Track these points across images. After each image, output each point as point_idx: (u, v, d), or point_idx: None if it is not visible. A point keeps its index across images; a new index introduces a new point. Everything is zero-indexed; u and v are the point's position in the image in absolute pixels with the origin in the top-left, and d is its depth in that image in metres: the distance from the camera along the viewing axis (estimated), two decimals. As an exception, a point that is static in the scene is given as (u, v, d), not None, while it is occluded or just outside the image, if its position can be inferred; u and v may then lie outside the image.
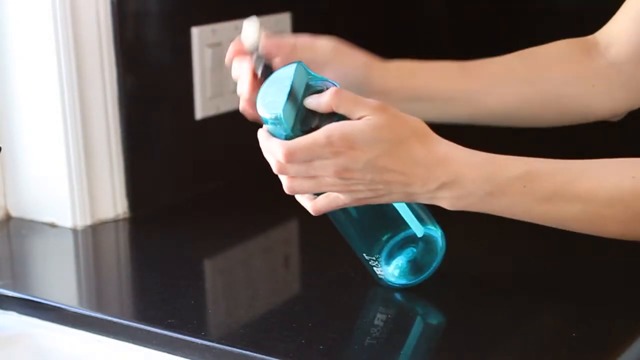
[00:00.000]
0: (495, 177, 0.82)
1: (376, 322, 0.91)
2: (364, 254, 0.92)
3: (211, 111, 1.33)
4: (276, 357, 0.84)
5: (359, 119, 0.81)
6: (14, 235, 1.21)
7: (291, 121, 0.83)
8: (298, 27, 1.44)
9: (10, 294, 1.01)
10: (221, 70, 1.33)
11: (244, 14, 1.36)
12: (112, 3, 1.18)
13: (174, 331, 0.89)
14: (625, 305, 0.87)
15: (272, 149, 0.85)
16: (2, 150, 1.20)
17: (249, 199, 1.33)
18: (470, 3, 1.78)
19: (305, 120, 0.83)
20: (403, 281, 0.94)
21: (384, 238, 0.91)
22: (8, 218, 1.24)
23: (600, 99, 1.01)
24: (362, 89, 0.92)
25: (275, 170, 0.86)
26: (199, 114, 1.32)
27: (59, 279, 1.09)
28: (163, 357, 0.90)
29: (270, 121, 0.84)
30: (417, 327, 0.88)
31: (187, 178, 1.33)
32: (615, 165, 0.84)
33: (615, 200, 0.81)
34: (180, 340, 0.89)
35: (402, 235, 0.91)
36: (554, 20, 1.70)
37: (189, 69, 1.29)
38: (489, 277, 1.00)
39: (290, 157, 0.83)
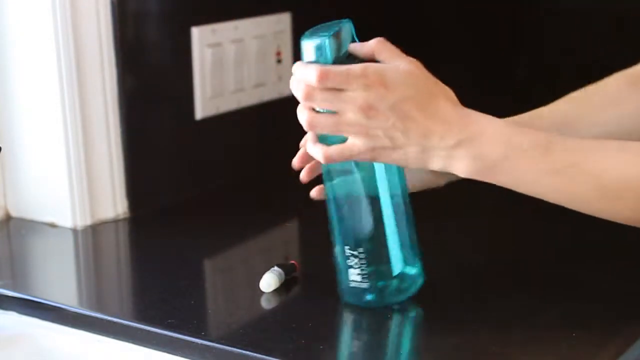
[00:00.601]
0: (513, 140, 0.82)
1: (377, 322, 0.91)
2: (347, 247, 0.91)
3: (211, 111, 1.33)
4: (276, 357, 0.84)
5: None
6: (14, 235, 1.21)
7: (333, 54, 0.85)
8: (298, 27, 1.44)
9: (10, 294, 1.01)
10: (221, 70, 1.33)
11: (244, 14, 1.36)
12: (112, 3, 1.18)
13: (174, 331, 0.89)
14: (625, 304, 0.87)
15: (307, 73, 0.84)
16: (2, 150, 1.20)
17: (249, 199, 1.33)
18: (470, 3, 1.78)
19: (345, 62, 0.85)
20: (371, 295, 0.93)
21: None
22: (8, 218, 1.24)
23: None
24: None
25: (301, 96, 0.85)
26: (199, 114, 1.32)
27: (59, 279, 1.09)
28: (163, 357, 0.90)
29: (314, 49, 0.85)
30: (417, 327, 0.88)
31: (187, 178, 1.32)
32: (635, 149, 0.82)
33: (632, 185, 0.80)
34: (180, 340, 0.89)
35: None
36: (556, 20, 1.70)
37: (189, 69, 1.29)
38: (489, 277, 1.00)
39: (324, 78, 0.82)
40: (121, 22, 1.19)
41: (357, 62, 0.85)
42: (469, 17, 1.79)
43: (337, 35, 0.86)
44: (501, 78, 1.70)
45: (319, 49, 0.85)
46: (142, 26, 1.24)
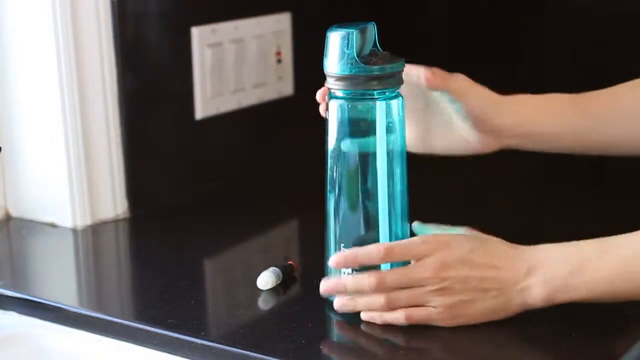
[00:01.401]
0: (572, 254, 0.86)
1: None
2: (343, 245, 0.91)
3: (211, 111, 1.33)
4: (276, 357, 0.84)
5: None
6: (14, 235, 1.21)
7: (358, 47, 0.87)
8: (298, 27, 1.44)
9: (10, 294, 1.01)
10: (221, 70, 1.33)
11: (244, 14, 1.36)
12: (112, 3, 1.18)
13: (174, 331, 0.89)
14: (625, 304, 0.87)
15: (370, 251, 0.88)
16: (2, 150, 1.20)
17: (249, 199, 1.33)
18: (471, 3, 1.78)
19: (367, 60, 0.88)
20: None
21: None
22: (8, 218, 1.24)
23: None
24: (478, 123, 0.95)
25: (373, 288, 0.87)
26: (199, 114, 1.32)
27: (59, 279, 1.09)
28: (163, 357, 0.90)
29: (341, 38, 0.87)
30: (416, 326, 0.88)
31: (186, 178, 1.32)
32: None
33: None
34: (180, 340, 0.89)
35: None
36: (558, 20, 1.70)
37: (189, 69, 1.29)
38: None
39: (389, 253, 0.87)
40: (121, 22, 1.19)
41: (379, 60, 0.88)
42: (469, 16, 1.79)
43: (363, 31, 0.88)
44: (501, 77, 1.70)
45: (346, 39, 0.87)
46: (142, 26, 1.24)
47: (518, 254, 0.87)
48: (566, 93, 1.00)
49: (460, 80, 0.95)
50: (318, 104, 0.96)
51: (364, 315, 0.89)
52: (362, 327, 0.89)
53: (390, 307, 0.87)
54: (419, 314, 0.87)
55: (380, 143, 0.89)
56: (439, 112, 0.98)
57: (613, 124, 0.99)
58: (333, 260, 0.90)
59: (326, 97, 0.91)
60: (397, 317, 0.87)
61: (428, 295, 0.86)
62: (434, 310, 0.86)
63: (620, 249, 0.85)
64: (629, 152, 1.03)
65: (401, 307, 0.87)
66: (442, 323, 0.87)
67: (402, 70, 0.90)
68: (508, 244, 0.89)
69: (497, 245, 0.88)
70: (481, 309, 0.86)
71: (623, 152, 1.03)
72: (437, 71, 0.94)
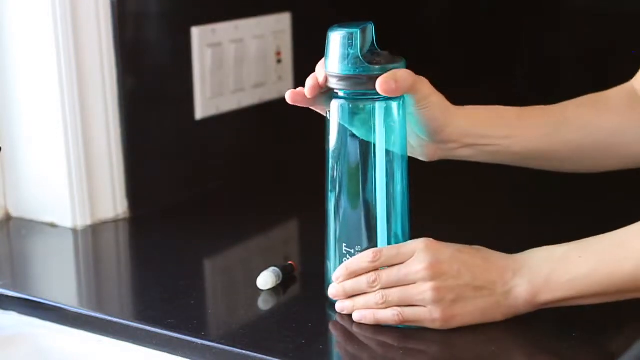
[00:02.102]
0: (554, 254, 0.87)
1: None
2: (345, 244, 0.91)
3: (211, 111, 1.33)
4: (276, 357, 0.84)
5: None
6: (14, 235, 1.21)
7: (359, 46, 0.87)
8: (298, 27, 1.44)
9: (10, 294, 1.01)
10: (221, 70, 1.33)
11: (244, 14, 1.36)
12: (112, 3, 1.18)
13: (174, 331, 0.89)
14: (625, 304, 0.87)
15: (359, 258, 0.89)
16: (2, 150, 1.20)
17: (249, 199, 1.33)
18: (471, 3, 1.78)
19: (369, 58, 0.88)
20: None
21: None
22: (8, 218, 1.24)
23: None
24: (429, 130, 0.93)
25: (368, 284, 0.89)
26: (199, 114, 1.32)
27: (59, 279, 1.09)
28: (163, 357, 0.90)
29: (343, 38, 0.87)
30: (416, 328, 0.88)
31: (187, 178, 1.33)
32: None
33: None
34: (180, 340, 0.89)
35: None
36: (558, 20, 1.70)
37: (189, 69, 1.29)
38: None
39: (378, 255, 0.88)
40: (121, 22, 1.19)
41: (381, 60, 0.87)
42: (469, 16, 1.79)
43: (364, 31, 0.88)
44: (500, 76, 1.70)
45: (348, 39, 0.87)
46: (142, 26, 1.24)
47: (503, 257, 0.89)
48: (513, 106, 0.99)
49: (426, 85, 0.91)
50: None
51: (355, 315, 0.89)
52: (362, 327, 0.89)
53: (384, 303, 0.88)
54: (411, 313, 0.87)
55: (379, 143, 0.89)
56: None
57: (556, 139, 0.99)
58: (332, 293, 0.91)
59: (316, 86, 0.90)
60: (389, 315, 0.88)
61: (421, 292, 0.86)
62: (426, 310, 0.86)
63: (598, 245, 0.86)
64: (577, 168, 1.03)
65: (394, 305, 0.88)
66: (435, 325, 0.87)
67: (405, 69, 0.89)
68: (492, 250, 0.90)
69: (483, 249, 0.90)
70: (473, 308, 0.87)
71: (565, 168, 1.03)
72: (402, 76, 0.88)
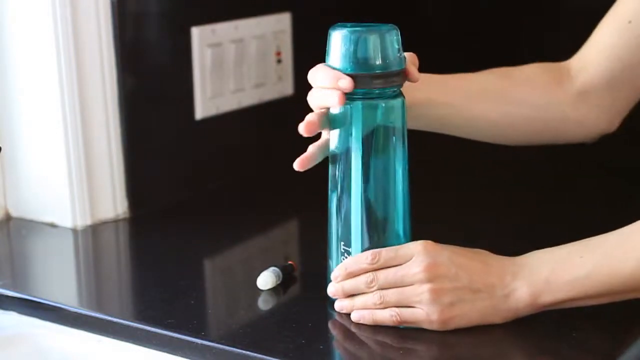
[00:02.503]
0: (554, 256, 0.87)
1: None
2: (343, 243, 0.92)
3: (211, 111, 1.33)
4: (276, 357, 0.84)
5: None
6: (14, 235, 1.21)
7: (361, 44, 0.87)
8: (298, 27, 1.44)
9: (10, 294, 1.01)
10: (221, 70, 1.33)
11: (244, 14, 1.36)
12: (112, 3, 1.18)
13: (174, 331, 0.89)
14: (625, 304, 0.87)
15: (358, 259, 0.90)
16: (2, 150, 1.20)
17: (249, 199, 1.33)
18: (471, 3, 1.78)
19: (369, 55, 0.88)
20: None
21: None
22: (8, 218, 1.24)
23: (572, 125, 1.05)
24: None
25: (366, 284, 0.89)
26: (199, 114, 1.32)
27: (59, 279, 1.09)
28: (163, 357, 0.90)
29: (343, 36, 0.88)
30: (417, 329, 0.88)
31: (187, 178, 1.33)
32: None
33: None
34: (180, 340, 0.89)
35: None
36: (558, 20, 1.70)
37: (189, 69, 1.29)
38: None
39: (377, 256, 0.88)
40: (121, 22, 1.19)
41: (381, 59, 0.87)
42: (469, 16, 1.79)
43: (364, 30, 0.88)
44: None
45: (348, 38, 0.87)
46: (142, 26, 1.24)
47: (502, 260, 0.89)
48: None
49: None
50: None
51: (354, 315, 0.89)
52: (362, 327, 0.89)
53: (382, 304, 0.88)
54: (408, 314, 0.87)
55: (355, 143, 0.89)
56: None
57: (478, 106, 1.01)
58: (330, 292, 0.92)
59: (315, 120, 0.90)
60: (387, 316, 0.88)
61: (418, 294, 0.86)
62: (424, 311, 0.86)
63: (598, 245, 0.86)
64: (499, 139, 1.05)
65: (392, 306, 0.88)
66: (432, 327, 0.87)
67: (404, 69, 0.90)
68: (491, 253, 0.90)
69: (482, 252, 0.90)
70: (470, 311, 0.86)
71: (494, 138, 1.05)
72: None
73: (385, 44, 0.88)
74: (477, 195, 1.30)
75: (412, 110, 0.94)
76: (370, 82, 0.88)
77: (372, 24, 0.90)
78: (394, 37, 0.89)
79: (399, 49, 0.89)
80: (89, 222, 1.21)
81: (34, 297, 0.99)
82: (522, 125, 1.04)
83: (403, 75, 0.90)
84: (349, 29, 0.88)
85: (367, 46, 0.88)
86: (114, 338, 0.93)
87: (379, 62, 0.88)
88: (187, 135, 1.32)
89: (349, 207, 0.91)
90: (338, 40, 0.88)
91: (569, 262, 0.86)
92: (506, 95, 1.03)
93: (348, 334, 0.89)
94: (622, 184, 1.32)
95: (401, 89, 0.91)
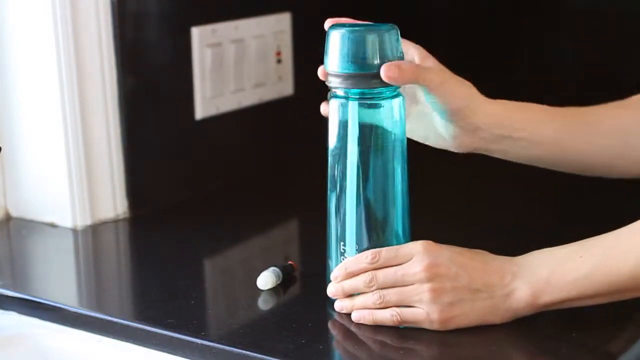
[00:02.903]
0: (554, 256, 0.87)
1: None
2: (342, 243, 0.92)
3: (211, 111, 1.33)
4: (276, 357, 0.84)
5: None
6: (14, 235, 1.21)
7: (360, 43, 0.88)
8: (298, 27, 1.44)
9: (10, 294, 1.01)
10: (221, 70, 1.33)
11: (244, 14, 1.36)
12: (112, 3, 1.18)
13: (174, 331, 0.89)
14: (625, 304, 0.87)
15: (358, 258, 0.90)
16: (2, 150, 1.20)
17: (249, 199, 1.33)
18: (471, 3, 1.78)
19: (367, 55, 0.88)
20: None
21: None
22: (8, 218, 1.24)
23: None
24: (453, 117, 0.93)
25: (365, 284, 0.89)
26: (199, 114, 1.32)
27: (59, 279, 1.09)
28: (163, 357, 0.90)
29: (341, 36, 0.88)
30: (417, 329, 0.88)
31: (187, 178, 1.33)
32: None
33: None
34: (180, 340, 0.89)
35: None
36: (558, 20, 1.70)
37: (189, 69, 1.29)
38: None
39: (377, 256, 0.88)
40: (121, 22, 1.19)
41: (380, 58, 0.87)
42: (469, 16, 1.79)
43: (363, 30, 0.88)
44: (500, 76, 1.70)
45: (346, 37, 0.87)
46: (142, 26, 1.24)
47: (502, 260, 0.89)
48: (543, 104, 0.98)
49: (433, 75, 0.91)
50: (318, 104, 0.96)
51: (354, 315, 0.89)
52: (362, 327, 0.89)
53: (382, 303, 0.88)
54: (409, 314, 0.87)
55: (352, 143, 0.89)
56: (416, 100, 0.96)
57: (589, 142, 0.98)
58: (330, 292, 0.92)
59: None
60: (387, 316, 0.88)
61: (418, 293, 0.86)
62: (424, 311, 0.86)
63: (598, 245, 0.86)
64: (600, 173, 1.02)
65: (392, 305, 0.88)
66: (432, 326, 0.87)
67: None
68: (491, 253, 0.90)
69: (482, 252, 0.90)
70: (470, 311, 0.86)
71: (594, 172, 1.02)
72: (406, 65, 0.89)
73: (384, 43, 0.88)
74: (477, 195, 1.30)
75: (520, 144, 0.95)
76: (369, 82, 0.88)
77: (372, 23, 0.90)
78: (392, 37, 0.89)
79: (398, 49, 0.89)
80: (89, 222, 1.21)
81: (34, 297, 0.99)
82: (632, 157, 1.00)
83: None
84: (347, 28, 0.88)
85: (365, 46, 0.88)
86: (114, 338, 0.93)
87: (377, 61, 0.88)
88: (187, 135, 1.32)
89: (348, 207, 0.91)
90: (336, 40, 0.88)
91: (568, 262, 0.86)
92: (617, 130, 0.99)
93: (348, 334, 0.89)
94: (622, 184, 1.32)
95: (400, 87, 0.91)
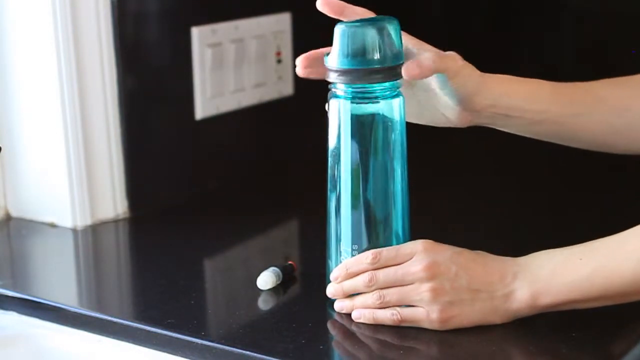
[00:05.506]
0: (554, 258, 0.87)
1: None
2: (342, 243, 0.92)
3: (211, 111, 1.33)
4: (276, 357, 0.84)
5: None
6: (14, 235, 1.21)
7: (361, 39, 0.88)
8: (298, 27, 1.44)
9: (10, 294, 1.01)
10: (221, 70, 1.33)
11: (244, 14, 1.36)
12: (112, 3, 1.18)
13: (174, 331, 0.89)
14: (625, 305, 0.87)
15: (358, 259, 0.90)
16: (2, 150, 1.20)
17: (249, 199, 1.33)
18: (471, 2, 1.78)
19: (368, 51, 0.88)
20: None
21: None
22: (8, 218, 1.24)
23: None
24: (461, 101, 0.93)
25: (365, 284, 0.89)
26: (199, 114, 1.32)
27: (59, 279, 1.09)
28: (163, 357, 0.90)
29: (341, 32, 0.88)
30: (417, 328, 0.88)
31: (187, 178, 1.33)
32: None
33: None
34: (180, 340, 0.89)
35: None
36: (558, 20, 1.70)
37: (189, 69, 1.29)
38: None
39: (377, 256, 0.89)
40: (121, 22, 1.19)
41: (379, 55, 0.87)
42: (468, 16, 1.79)
43: (364, 27, 0.88)
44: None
45: (347, 33, 0.87)
46: (142, 26, 1.24)
47: (503, 260, 0.89)
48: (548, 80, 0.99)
49: (453, 62, 0.92)
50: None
51: (354, 314, 0.90)
52: (362, 326, 0.89)
53: (382, 303, 0.88)
54: (409, 314, 0.87)
55: (351, 143, 0.89)
56: (420, 84, 0.95)
57: (593, 117, 0.99)
58: (330, 292, 0.92)
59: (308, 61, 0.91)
60: (388, 315, 0.88)
61: (418, 293, 0.87)
62: (424, 310, 0.87)
63: (599, 248, 0.86)
64: (611, 149, 1.02)
65: (392, 305, 0.88)
66: (432, 326, 0.87)
67: (402, 64, 0.89)
68: (492, 254, 0.90)
69: (483, 253, 0.90)
70: (470, 311, 0.87)
71: (606, 148, 1.02)
72: (425, 62, 0.89)
73: (383, 38, 0.88)
74: (478, 195, 1.30)
75: (522, 121, 0.95)
76: (367, 77, 0.88)
77: (374, 17, 0.90)
78: (392, 32, 0.88)
79: (398, 44, 0.89)
80: (89, 222, 1.21)
81: (34, 297, 0.99)
82: (636, 134, 1.01)
83: (401, 69, 0.89)
84: (347, 23, 0.88)
85: (365, 41, 0.87)
86: (114, 338, 0.93)
87: (377, 56, 0.87)
88: (187, 135, 1.32)
89: (348, 207, 0.91)
90: (337, 36, 0.88)
91: (569, 264, 0.86)
92: (620, 105, 1.00)
93: (348, 334, 0.89)
94: (625, 186, 1.32)
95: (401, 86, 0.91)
